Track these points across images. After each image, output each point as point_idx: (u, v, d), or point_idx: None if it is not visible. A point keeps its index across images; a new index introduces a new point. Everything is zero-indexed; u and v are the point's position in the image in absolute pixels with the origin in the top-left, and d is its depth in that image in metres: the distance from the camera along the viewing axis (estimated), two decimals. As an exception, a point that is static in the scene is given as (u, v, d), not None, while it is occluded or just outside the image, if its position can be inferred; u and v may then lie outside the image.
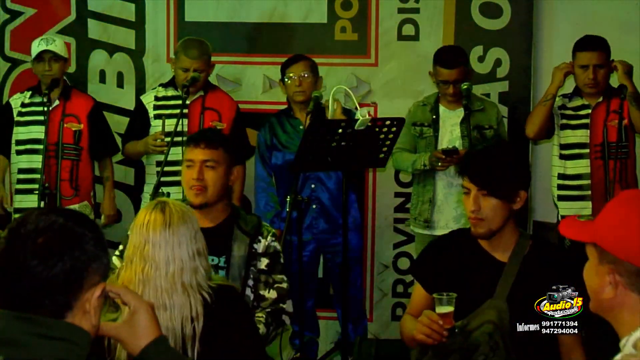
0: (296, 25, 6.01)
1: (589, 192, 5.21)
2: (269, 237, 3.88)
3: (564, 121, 5.32)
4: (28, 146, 5.57)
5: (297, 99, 5.29)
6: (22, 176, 5.57)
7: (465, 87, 5.22)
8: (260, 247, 3.85)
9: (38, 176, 5.45)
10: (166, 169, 4.94)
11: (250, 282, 3.82)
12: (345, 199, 4.66)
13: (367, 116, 4.48)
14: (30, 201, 5.51)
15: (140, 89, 6.13)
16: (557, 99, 5.31)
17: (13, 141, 5.63)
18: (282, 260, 3.91)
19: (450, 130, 5.37)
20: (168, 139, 5.15)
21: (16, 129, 5.61)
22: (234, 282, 3.75)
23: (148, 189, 5.39)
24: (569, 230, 2.16)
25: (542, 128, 5.32)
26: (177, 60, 5.44)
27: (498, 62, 5.79)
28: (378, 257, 6.01)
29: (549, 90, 5.29)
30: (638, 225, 2.02)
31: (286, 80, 5.33)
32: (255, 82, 5.99)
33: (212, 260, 3.79)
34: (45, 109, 5.50)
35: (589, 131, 5.22)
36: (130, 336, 2.13)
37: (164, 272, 2.94)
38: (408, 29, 5.91)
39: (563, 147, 5.32)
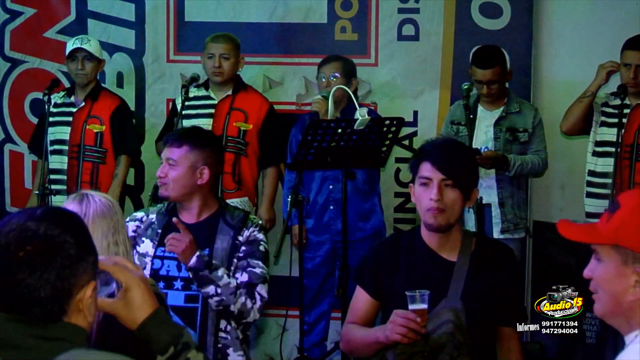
0: (296, 25, 5.99)
1: (612, 191, 5.10)
2: (251, 228, 3.87)
3: (603, 118, 5.27)
4: (55, 147, 5.56)
5: None
6: (51, 177, 5.51)
7: (466, 87, 5.20)
8: (243, 238, 3.84)
9: (64, 177, 5.46)
10: None
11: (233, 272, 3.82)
12: (345, 198, 4.62)
13: (367, 116, 4.47)
14: (59, 202, 5.36)
15: (140, 89, 6.13)
16: (601, 95, 5.27)
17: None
18: (262, 249, 3.88)
19: (485, 130, 5.37)
20: None
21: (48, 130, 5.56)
22: None
23: None
24: (579, 233, 2.11)
25: (577, 124, 5.30)
26: (205, 50, 5.48)
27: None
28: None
29: (590, 87, 5.24)
30: None
31: (318, 79, 5.39)
32: (255, 82, 5.93)
33: None
34: (47, 108, 5.49)
35: (622, 130, 5.14)
36: (127, 312, 2.10)
37: None
38: (408, 29, 5.88)
39: (597, 144, 5.28)
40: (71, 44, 5.56)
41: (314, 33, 5.96)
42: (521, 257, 5.38)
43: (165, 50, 6.13)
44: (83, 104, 5.61)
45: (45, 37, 6.18)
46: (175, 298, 3.81)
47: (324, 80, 5.35)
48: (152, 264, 3.83)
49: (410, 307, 3.06)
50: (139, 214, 3.98)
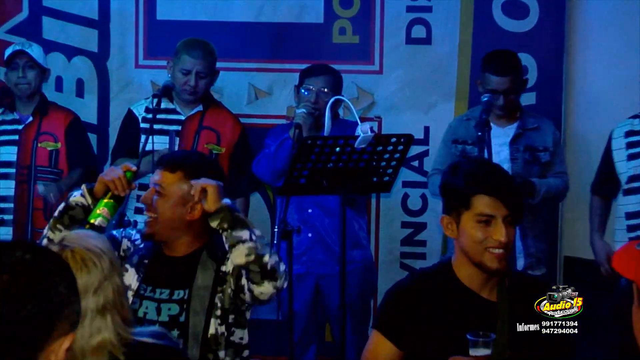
0: (287, 25, 5.78)
1: None
2: None
3: (630, 151, 5.02)
4: None
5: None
6: None
7: (486, 99, 4.90)
8: (228, 266, 3.53)
9: (10, 205, 5.31)
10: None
11: (218, 312, 3.53)
12: (344, 229, 4.37)
13: (370, 132, 4.26)
14: (4, 235, 5.30)
15: (103, 99, 5.91)
16: (626, 121, 5.08)
17: None
18: None
19: (498, 150, 4.97)
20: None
21: None
22: (196, 317, 3.53)
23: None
24: (619, 263, 2.17)
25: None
26: (178, 60, 5.25)
27: (524, 70, 5.39)
28: (381, 295, 5.52)
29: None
30: None
31: (302, 91, 5.15)
32: (238, 92, 5.77)
33: (174, 294, 3.59)
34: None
35: None
36: None
37: None
38: (418, 31, 5.69)
39: (630, 179, 5.02)
40: (10, 48, 5.38)
41: (308, 35, 5.78)
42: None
43: (133, 53, 5.91)
44: (31, 119, 5.39)
45: (-7, 38, 6.05)
46: None
47: (309, 93, 5.08)
48: (133, 302, 3.60)
49: (472, 352, 3.02)
50: (134, 233, 3.77)
